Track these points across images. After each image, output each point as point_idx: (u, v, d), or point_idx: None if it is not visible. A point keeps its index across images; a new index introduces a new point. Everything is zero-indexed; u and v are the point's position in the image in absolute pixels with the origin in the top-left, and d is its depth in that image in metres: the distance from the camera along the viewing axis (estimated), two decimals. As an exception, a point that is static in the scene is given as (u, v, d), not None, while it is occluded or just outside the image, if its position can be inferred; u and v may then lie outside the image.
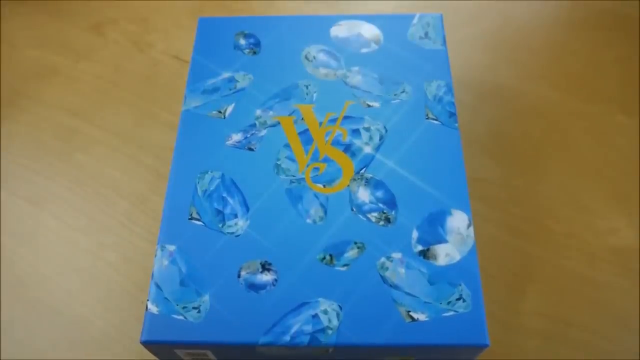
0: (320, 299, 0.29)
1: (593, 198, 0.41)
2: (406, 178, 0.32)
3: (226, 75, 0.36)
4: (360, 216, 0.31)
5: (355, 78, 0.36)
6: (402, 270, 0.29)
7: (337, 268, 0.29)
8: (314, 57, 0.37)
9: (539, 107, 0.46)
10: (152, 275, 0.30)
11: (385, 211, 0.31)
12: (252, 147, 0.33)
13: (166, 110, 0.47)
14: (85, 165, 0.44)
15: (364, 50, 0.37)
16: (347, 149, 0.33)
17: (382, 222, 0.31)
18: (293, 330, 0.28)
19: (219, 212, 0.31)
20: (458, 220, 0.31)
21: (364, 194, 0.32)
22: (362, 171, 0.32)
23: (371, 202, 0.31)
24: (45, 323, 0.38)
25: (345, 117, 0.34)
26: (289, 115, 0.34)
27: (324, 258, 0.30)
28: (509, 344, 0.36)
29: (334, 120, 0.34)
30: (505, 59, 0.49)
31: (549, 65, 0.48)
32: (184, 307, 0.29)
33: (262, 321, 0.28)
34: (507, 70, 0.48)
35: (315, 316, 0.28)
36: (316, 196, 0.32)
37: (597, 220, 0.40)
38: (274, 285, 0.29)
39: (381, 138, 0.33)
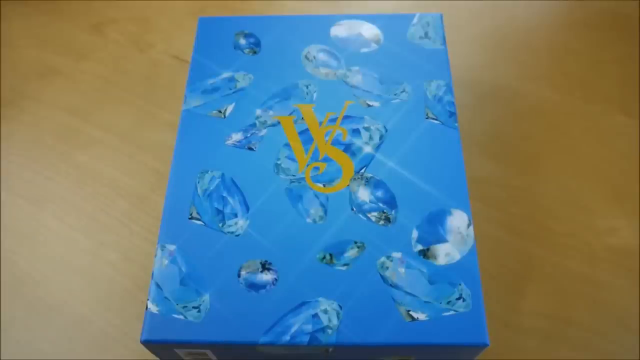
0: (320, 299, 0.29)
1: (593, 198, 0.41)
2: (406, 178, 0.32)
3: (226, 75, 0.36)
4: (360, 216, 0.31)
5: (355, 78, 0.36)
6: (402, 270, 0.29)
7: (337, 267, 0.29)
8: (314, 57, 0.37)
9: (539, 107, 0.46)
10: (152, 274, 0.30)
11: (385, 211, 0.31)
12: (252, 146, 0.33)
13: (166, 110, 0.47)
14: (85, 165, 0.45)
15: (364, 50, 0.37)
16: (347, 148, 0.33)
17: (382, 222, 0.31)
18: (293, 329, 0.28)
19: (219, 212, 0.31)
20: (458, 220, 0.31)
21: (364, 194, 0.32)
22: (362, 171, 0.32)
23: (371, 202, 0.31)
24: (45, 323, 0.38)
25: (345, 117, 0.34)
26: (289, 114, 0.34)
27: (324, 257, 0.30)
28: (509, 344, 0.36)
29: (334, 120, 0.34)
30: (505, 59, 0.49)
31: (549, 65, 0.48)
32: (184, 307, 0.29)
33: (262, 321, 0.28)
34: (507, 70, 0.48)
35: (315, 316, 0.28)
36: (316, 196, 0.32)
37: (597, 220, 0.40)
38: (274, 284, 0.29)
39: (381, 138, 0.33)
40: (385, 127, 0.34)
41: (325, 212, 0.31)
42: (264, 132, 0.34)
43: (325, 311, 0.28)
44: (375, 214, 0.31)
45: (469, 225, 0.30)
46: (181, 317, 0.28)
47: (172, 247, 0.30)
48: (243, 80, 0.36)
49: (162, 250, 0.30)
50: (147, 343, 0.28)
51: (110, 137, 0.46)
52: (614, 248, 0.39)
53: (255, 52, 0.37)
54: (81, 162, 0.45)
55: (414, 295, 0.29)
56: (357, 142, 0.33)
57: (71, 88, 0.49)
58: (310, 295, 0.29)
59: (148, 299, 0.29)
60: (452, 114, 0.34)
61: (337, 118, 0.34)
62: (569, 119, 0.45)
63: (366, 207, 0.31)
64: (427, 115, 0.34)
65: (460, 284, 0.29)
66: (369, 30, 0.38)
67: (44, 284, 0.39)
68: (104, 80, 0.49)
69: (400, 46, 0.37)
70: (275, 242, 0.30)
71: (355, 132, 0.34)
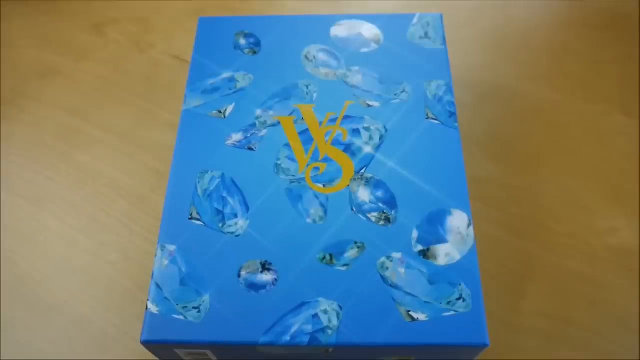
0: (320, 299, 0.29)
1: (593, 198, 0.41)
2: (406, 178, 0.32)
3: (226, 75, 0.36)
4: (360, 216, 0.31)
5: (355, 78, 0.36)
6: (402, 270, 0.29)
7: (337, 268, 0.29)
8: (314, 57, 0.37)
9: (539, 107, 0.46)
10: (152, 274, 0.30)
11: (385, 211, 0.31)
12: (252, 146, 0.33)
13: (166, 110, 0.47)
14: (85, 165, 0.45)
15: (364, 50, 0.37)
16: (347, 148, 0.33)
17: (382, 222, 0.31)
18: (293, 330, 0.28)
19: (219, 212, 0.31)
20: (458, 220, 0.31)
21: (364, 194, 0.32)
22: (362, 171, 0.32)
23: (371, 202, 0.31)
24: (45, 323, 0.38)
25: (345, 117, 0.34)
26: (289, 115, 0.34)
27: (324, 258, 0.30)
28: (509, 344, 0.36)
29: (334, 120, 0.34)
30: (505, 59, 0.49)
31: (549, 65, 0.48)
32: (184, 307, 0.29)
33: (262, 321, 0.28)
34: (507, 70, 0.48)
35: (315, 316, 0.28)
36: (316, 196, 0.32)
37: (597, 220, 0.40)
38: (273, 285, 0.29)
39: (381, 138, 0.33)
40: (385, 127, 0.34)
41: (325, 212, 0.31)
42: (264, 132, 0.34)
43: (325, 311, 0.28)
44: (375, 214, 0.31)
45: (469, 225, 0.30)
46: (181, 317, 0.28)
47: (172, 247, 0.30)
48: (243, 80, 0.36)
49: (162, 250, 0.30)
50: (147, 343, 0.28)
51: (110, 137, 0.46)
52: (614, 248, 0.39)
53: (255, 52, 0.37)
54: (81, 162, 0.45)
55: (414, 296, 0.29)
56: (357, 142, 0.33)
57: (71, 88, 0.49)
58: (310, 295, 0.29)
59: (148, 299, 0.29)
60: (452, 114, 0.34)
61: (337, 118, 0.34)
62: (569, 119, 0.45)
63: (366, 207, 0.31)
64: (427, 115, 0.34)
65: (460, 284, 0.29)
66: (369, 30, 0.38)
67: (44, 284, 0.39)
68: (104, 80, 0.49)
69: (400, 46, 0.37)
70: (275, 242, 0.30)
71: (355, 132, 0.34)
